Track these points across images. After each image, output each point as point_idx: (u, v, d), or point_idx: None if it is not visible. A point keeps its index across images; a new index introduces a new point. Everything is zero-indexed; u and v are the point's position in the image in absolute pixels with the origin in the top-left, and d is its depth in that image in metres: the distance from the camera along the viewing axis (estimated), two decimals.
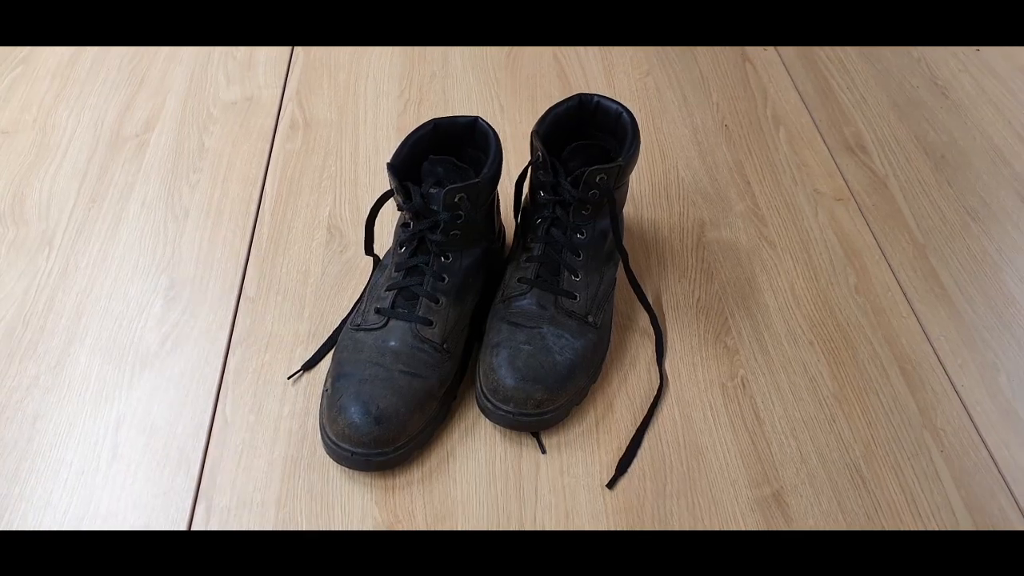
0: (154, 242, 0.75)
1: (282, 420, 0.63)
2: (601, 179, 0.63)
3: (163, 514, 0.58)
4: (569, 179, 0.63)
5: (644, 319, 0.71)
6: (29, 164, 0.82)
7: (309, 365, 0.67)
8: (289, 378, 0.66)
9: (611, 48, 0.99)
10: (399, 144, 0.63)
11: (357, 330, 0.63)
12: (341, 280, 0.73)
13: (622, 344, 0.70)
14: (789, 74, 0.97)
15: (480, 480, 0.61)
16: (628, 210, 0.80)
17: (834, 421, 0.65)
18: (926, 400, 0.67)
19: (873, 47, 1.00)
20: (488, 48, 0.99)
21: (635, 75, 0.96)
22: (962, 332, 0.72)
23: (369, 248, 0.68)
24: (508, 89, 0.94)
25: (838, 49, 1.00)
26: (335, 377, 0.61)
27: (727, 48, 1.00)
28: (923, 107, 0.93)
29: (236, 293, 0.72)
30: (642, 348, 0.70)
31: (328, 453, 0.60)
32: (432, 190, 0.61)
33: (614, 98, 0.66)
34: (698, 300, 0.73)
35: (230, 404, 0.64)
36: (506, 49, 0.99)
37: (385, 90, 0.93)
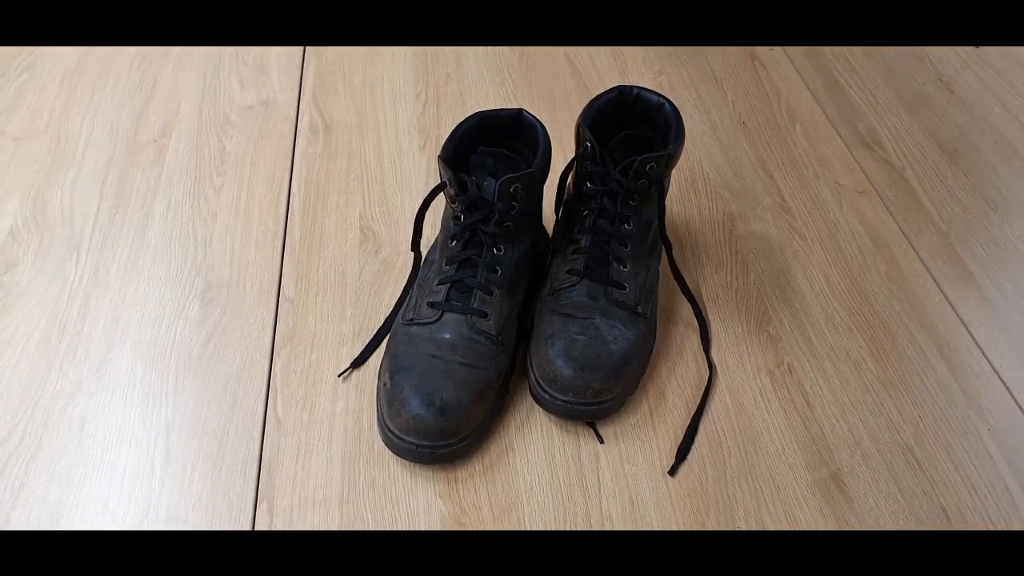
0: (184, 245, 0.74)
1: (336, 417, 0.62)
2: (651, 168, 0.63)
3: (225, 515, 0.56)
4: (619, 168, 0.64)
5: (686, 310, 0.72)
6: (47, 170, 0.80)
7: (358, 362, 0.65)
8: (340, 376, 0.65)
9: (622, 48, 1.01)
10: (447, 137, 0.63)
11: (410, 325, 0.63)
12: (379, 279, 0.72)
13: (667, 336, 0.70)
14: (799, 73, 0.99)
15: (542, 471, 0.60)
16: None
17: (882, 405, 0.66)
18: (968, 382, 0.68)
19: (876, 47, 1.03)
20: (500, 49, 0.99)
21: (648, 74, 0.97)
22: (994, 316, 0.73)
23: (416, 243, 0.67)
24: (524, 89, 0.94)
25: (843, 48, 1.03)
26: (392, 371, 0.60)
27: (736, 49, 1.02)
28: (931, 103, 0.96)
29: (275, 294, 0.70)
30: (687, 339, 0.70)
31: (389, 447, 0.59)
32: (486, 182, 0.61)
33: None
34: (736, 291, 0.74)
35: (281, 404, 0.63)
36: (517, 50, 1.00)
37: (401, 92, 0.93)
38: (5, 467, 0.58)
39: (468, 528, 0.56)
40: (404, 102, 0.91)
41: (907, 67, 1.01)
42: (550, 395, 0.61)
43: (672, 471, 0.61)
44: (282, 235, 0.75)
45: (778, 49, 1.03)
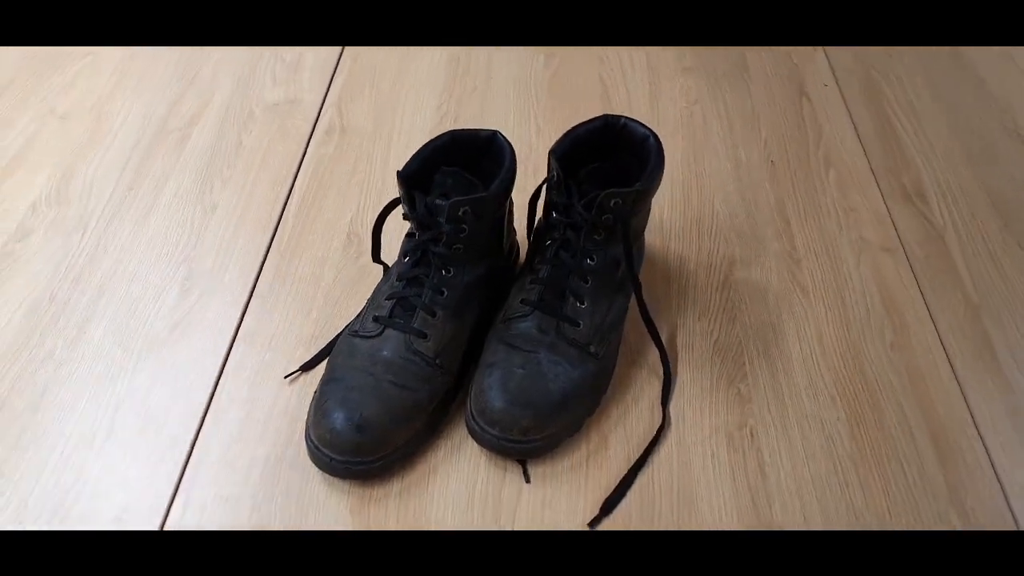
0: (180, 232, 0.77)
1: (272, 419, 0.63)
2: (616, 203, 0.60)
3: (143, 499, 0.58)
4: (583, 202, 0.61)
5: (654, 355, 0.68)
6: (80, 149, 0.85)
7: (307, 367, 0.66)
8: (286, 377, 0.66)
9: (659, 70, 0.97)
10: (414, 153, 0.62)
11: (354, 336, 0.63)
12: (352, 286, 0.73)
13: (627, 378, 0.67)
14: (848, 112, 0.92)
15: (458, 502, 0.59)
16: (654, 240, 0.77)
17: (847, 486, 0.60)
18: (957, 476, 0.61)
19: (945, 86, 0.94)
20: (533, 65, 0.98)
21: (682, 103, 0.93)
22: (1010, 408, 0.65)
23: (376, 255, 0.67)
24: (547, 108, 0.93)
25: (907, 87, 0.95)
26: (325, 381, 0.60)
27: (784, 80, 0.96)
28: (999, 158, 0.86)
29: (249, 289, 0.72)
30: (648, 385, 0.66)
31: (309, 456, 0.59)
32: (438, 201, 0.60)
33: (645, 123, 0.64)
34: (716, 341, 0.70)
35: (225, 397, 0.64)
36: (551, 67, 0.98)
37: (425, 102, 0.93)
38: None
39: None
40: (424, 112, 0.92)
41: (980, 114, 0.92)
42: (479, 426, 0.60)
43: (592, 523, 0.58)
44: (272, 231, 0.78)
45: (831, 85, 0.96)
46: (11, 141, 0.86)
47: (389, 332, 0.61)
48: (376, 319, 0.62)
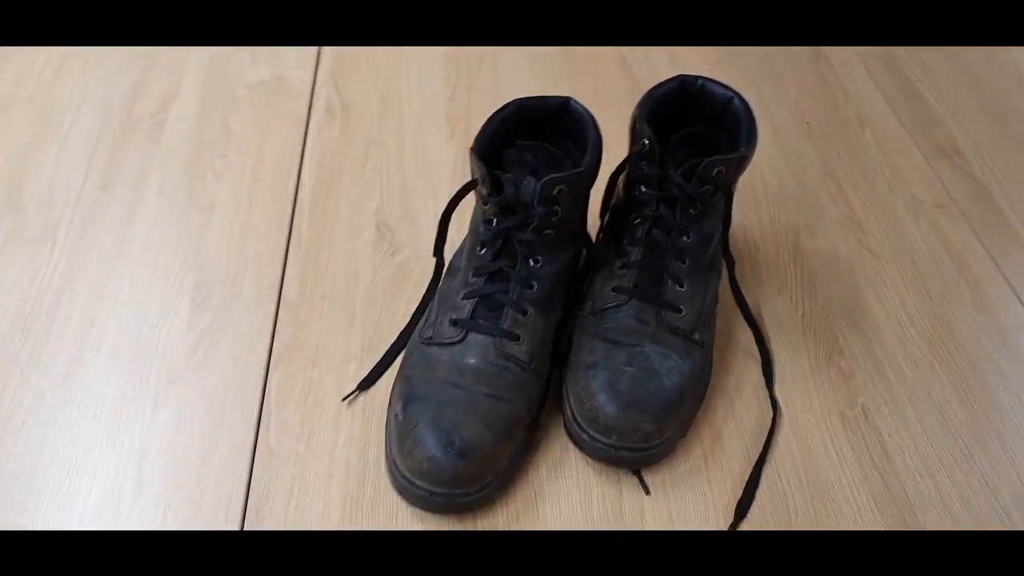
0: (177, 237, 0.65)
1: (338, 451, 0.53)
2: (719, 172, 0.54)
3: None
4: (680, 171, 0.54)
5: (746, 338, 0.62)
6: (26, 145, 0.71)
7: (366, 384, 0.57)
8: (344, 399, 0.56)
9: (674, 47, 0.91)
10: (481, 127, 0.54)
11: (429, 344, 0.54)
12: (395, 286, 0.63)
13: (724, 367, 0.61)
14: (869, 73, 0.89)
15: (577, 526, 0.51)
16: None
17: (972, 459, 0.57)
18: None
19: (956, 47, 0.93)
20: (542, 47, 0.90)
21: (703, 68, 0.88)
22: None
23: (440, 248, 0.58)
24: (567, 77, 0.85)
25: (920, 49, 0.93)
26: (406, 400, 0.51)
27: (800, 47, 0.92)
28: (1018, 112, 0.86)
29: (276, 297, 0.62)
30: (746, 370, 0.61)
31: (399, 492, 0.50)
32: (527, 181, 0.51)
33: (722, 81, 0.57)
34: (803, 316, 0.65)
35: (274, 431, 0.54)
36: (562, 48, 0.90)
37: (429, 74, 0.83)
38: None
39: None
40: (431, 84, 0.82)
41: (991, 72, 0.91)
42: (590, 435, 0.52)
43: (730, 530, 0.52)
44: (287, 229, 0.67)
45: (848, 48, 0.93)
46: None
47: (473, 337, 0.53)
48: (455, 323, 0.53)
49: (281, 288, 0.62)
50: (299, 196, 0.69)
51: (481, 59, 0.85)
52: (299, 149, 0.73)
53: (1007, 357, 0.63)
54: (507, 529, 0.50)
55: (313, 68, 0.82)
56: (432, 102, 0.80)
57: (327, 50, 0.84)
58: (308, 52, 0.83)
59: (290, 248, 0.65)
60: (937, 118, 0.85)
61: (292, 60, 0.82)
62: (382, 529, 0.49)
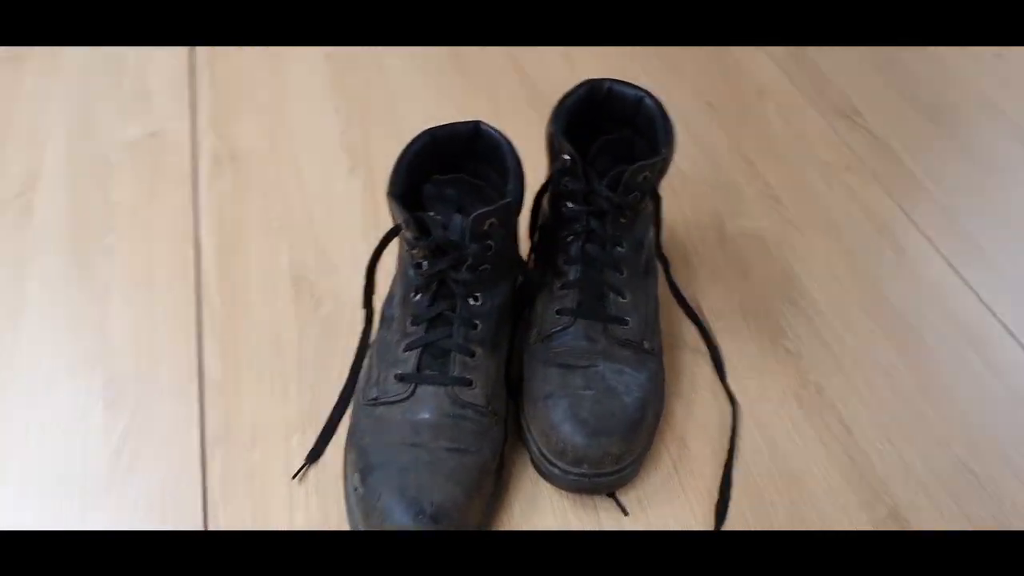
0: (72, 331, 0.59)
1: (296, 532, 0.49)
2: (644, 178, 0.52)
3: None
4: (604, 183, 0.53)
5: (690, 334, 0.62)
6: None
7: (313, 456, 0.53)
8: (294, 477, 0.52)
9: (566, 47, 0.89)
10: (393, 165, 0.50)
11: (375, 405, 0.50)
12: (325, 343, 0.59)
13: (675, 367, 0.60)
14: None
15: None
16: None
17: (924, 417, 0.58)
18: (1012, 378, 0.61)
19: None
20: (428, 48, 0.86)
21: (602, 64, 0.86)
22: (1018, 293, 0.66)
23: (368, 300, 0.55)
24: (462, 90, 0.82)
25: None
26: (363, 471, 0.48)
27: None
28: (899, 63, 0.88)
29: (197, 379, 0.56)
30: (696, 367, 0.60)
31: None
32: (453, 219, 0.49)
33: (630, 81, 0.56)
34: (740, 302, 0.65)
35: (224, 523, 0.49)
36: (448, 48, 0.87)
37: (317, 105, 0.79)
38: None
39: None
40: (322, 117, 0.78)
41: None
42: (560, 469, 0.50)
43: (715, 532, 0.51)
44: (195, 301, 0.61)
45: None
46: None
47: (423, 390, 0.50)
48: (401, 378, 0.50)
49: (201, 368, 0.57)
50: (201, 262, 0.64)
51: (368, 82, 0.81)
52: (191, 209, 0.68)
53: (939, 312, 0.65)
54: None
55: (189, 116, 0.76)
56: (324, 134, 0.75)
57: (202, 92, 0.78)
58: (180, 98, 0.77)
59: (203, 321, 0.60)
60: (828, 78, 0.86)
61: (164, 110, 0.76)
62: None
